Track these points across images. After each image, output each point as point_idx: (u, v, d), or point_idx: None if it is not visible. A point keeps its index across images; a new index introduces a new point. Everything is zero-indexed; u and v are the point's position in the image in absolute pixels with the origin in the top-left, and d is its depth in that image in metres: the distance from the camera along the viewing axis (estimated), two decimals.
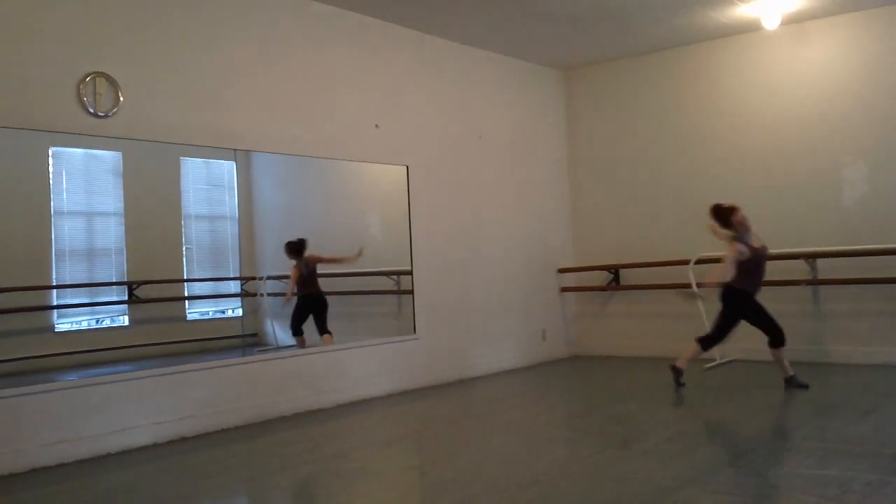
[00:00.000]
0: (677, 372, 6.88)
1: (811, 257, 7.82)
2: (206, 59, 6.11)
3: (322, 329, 6.95)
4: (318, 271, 7.14)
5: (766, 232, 8.13)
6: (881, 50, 7.64)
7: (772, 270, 8.04)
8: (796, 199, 8.06)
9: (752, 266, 6.44)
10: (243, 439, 5.69)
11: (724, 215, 6.57)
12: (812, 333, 7.96)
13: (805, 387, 6.43)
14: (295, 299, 6.99)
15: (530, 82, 9.30)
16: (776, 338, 6.46)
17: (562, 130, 9.72)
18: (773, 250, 7.96)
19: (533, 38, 8.30)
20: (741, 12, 7.68)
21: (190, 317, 6.69)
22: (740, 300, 6.50)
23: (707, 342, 6.73)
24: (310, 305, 7.02)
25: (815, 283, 7.89)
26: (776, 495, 3.79)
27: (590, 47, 8.82)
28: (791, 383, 6.49)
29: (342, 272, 7.41)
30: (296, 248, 6.88)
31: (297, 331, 6.98)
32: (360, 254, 7.09)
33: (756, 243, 6.48)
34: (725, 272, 6.42)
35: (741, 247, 6.37)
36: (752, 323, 6.54)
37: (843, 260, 7.66)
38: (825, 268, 7.84)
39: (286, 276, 7.07)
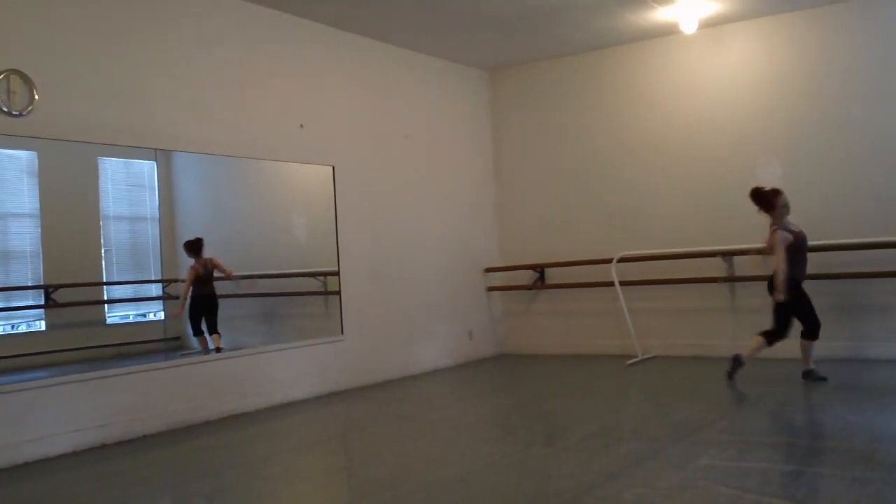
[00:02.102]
0: (738, 362, 6.68)
1: (728, 254, 8.08)
2: (126, 57, 5.96)
3: (212, 329, 6.77)
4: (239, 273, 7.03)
5: (684, 230, 8.42)
6: (794, 53, 7.94)
7: (690, 268, 8.32)
8: (713, 198, 8.31)
9: (794, 252, 6.39)
10: (166, 445, 5.57)
11: (766, 199, 6.48)
12: (729, 329, 8.22)
13: (824, 379, 6.43)
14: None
15: (456, 83, 9.36)
16: (811, 331, 6.43)
17: (487, 131, 9.81)
18: (689, 248, 8.23)
19: (458, 39, 8.35)
20: (659, 16, 7.88)
21: (110, 321, 6.50)
22: (790, 289, 6.38)
23: (772, 336, 6.57)
24: (202, 305, 6.82)
25: (731, 279, 8.15)
26: (697, 487, 3.91)
27: (513, 49, 8.92)
28: (809, 376, 6.48)
29: (267, 273, 7.31)
30: (195, 248, 6.68)
31: (196, 331, 6.78)
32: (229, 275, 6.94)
33: (795, 229, 6.45)
34: (781, 261, 6.29)
35: (784, 233, 6.33)
36: (792, 312, 6.47)
37: (758, 257, 7.92)
38: (741, 265, 8.10)
39: (220, 278, 6.94)
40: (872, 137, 7.50)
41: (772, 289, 6.46)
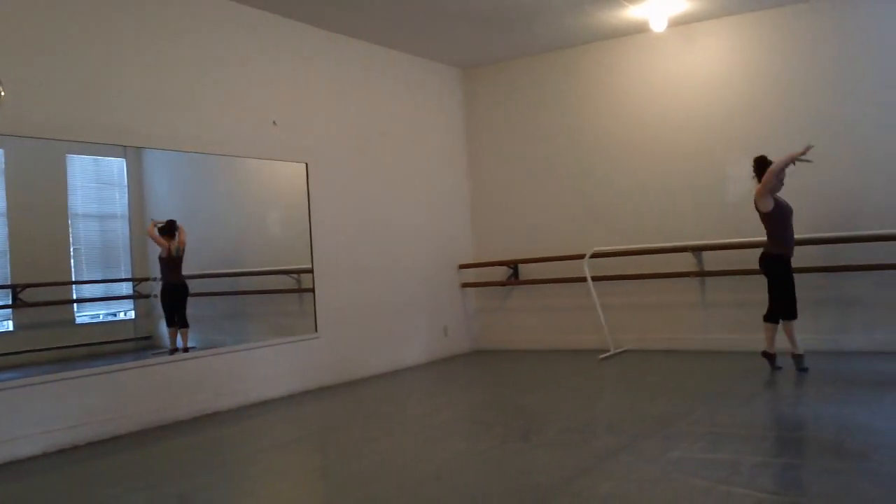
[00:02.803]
0: (770, 357, 6.82)
1: (698, 250, 8.17)
2: (95, 53, 5.88)
3: (182, 322, 6.69)
4: (216, 270, 6.98)
5: (656, 226, 8.50)
6: (762, 52, 8.03)
7: (660, 263, 8.39)
8: (684, 194, 8.40)
9: (781, 222, 6.56)
10: (138, 446, 5.52)
11: (764, 167, 6.59)
12: (699, 322, 8.32)
13: (779, 368, 6.71)
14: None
15: (431, 80, 9.35)
16: (787, 312, 6.54)
17: (462, 128, 9.82)
18: (662, 244, 8.32)
19: (433, 36, 8.35)
20: (630, 14, 7.93)
21: (79, 320, 6.43)
22: (780, 263, 6.56)
23: (788, 314, 6.61)
24: (172, 294, 6.73)
25: (701, 274, 8.24)
26: (669, 479, 3.95)
27: (487, 47, 8.93)
28: (766, 356, 6.75)
29: (241, 271, 7.27)
30: (168, 230, 6.57)
31: (170, 321, 6.71)
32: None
33: (781, 200, 6.60)
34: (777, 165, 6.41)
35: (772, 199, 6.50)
36: (770, 287, 6.62)
37: (728, 252, 8.03)
38: (711, 260, 8.20)
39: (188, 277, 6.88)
40: (840, 134, 7.61)
41: (764, 264, 6.66)
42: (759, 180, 6.60)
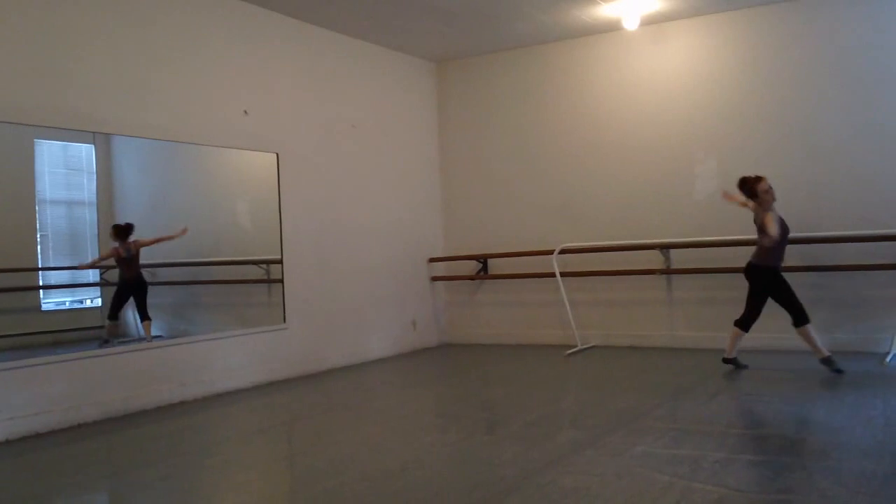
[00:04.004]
0: (730, 361, 6.84)
1: (665, 247, 8.26)
2: (64, 36, 5.80)
3: (143, 315, 6.61)
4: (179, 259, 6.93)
5: (624, 223, 8.58)
6: (733, 52, 8.13)
7: (628, 260, 8.48)
8: (652, 192, 8.48)
9: (782, 244, 6.52)
10: (102, 435, 5.48)
11: (749, 186, 6.58)
12: (665, 319, 8.42)
13: (744, 367, 6.79)
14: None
15: (403, 73, 9.34)
16: (801, 316, 6.46)
17: (433, 122, 9.82)
18: (629, 241, 8.40)
19: (405, 29, 8.34)
20: (603, 12, 7.99)
21: (45, 307, 6.34)
22: (769, 277, 6.55)
23: (745, 323, 6.69)
24: (130, 289, 6.63)
25: (668, 272, 8.33)
26: (632, 474, 4.01)
27: (460, 41, 8.94)
28: (829, 365, 6.48)
29: (209, 261, 7.22)
30: (122, 232, 6.47)
31: (113, 315, 6.57)
32: (184, 232, 6.83)
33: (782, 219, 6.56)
34: (772, 228, 6.33)
35: (776, 213, 6.44)
36: (777, 299, 6.56)
37: (695, 250, 8.13)
38: (678, 258, 8.30)
39: (149, 265, 6.82)
40: (807, 135, 7.73)
41: (749, 275, 6.65)
42: (752, 200, 6.59)
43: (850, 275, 7.42)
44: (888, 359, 6.95)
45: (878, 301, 7.37)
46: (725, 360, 6.87)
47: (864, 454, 4.22)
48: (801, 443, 4.67)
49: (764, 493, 3.66)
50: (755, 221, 6.62)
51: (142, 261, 6.61)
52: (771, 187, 6.54)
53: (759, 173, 6.69)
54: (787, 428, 5.05)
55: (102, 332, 6.45)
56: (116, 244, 6.46)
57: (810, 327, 6.49)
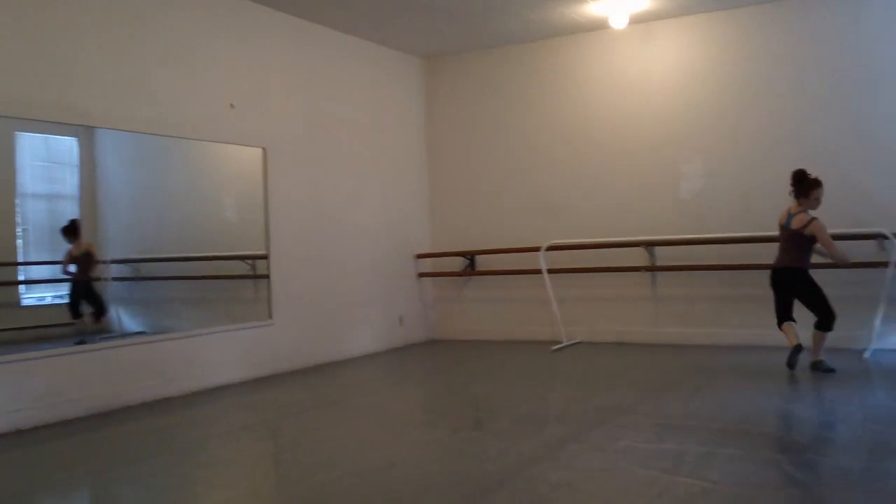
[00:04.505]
0: (818, 364, 6.45)
1: (650, 245, 8.30)
2: (47, 28, 5.74)
3: (99, 314, 6.44)
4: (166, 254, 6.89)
5: (611, 221, 8.61)
6: (720, 51, 8.17)
7: (614, 257, 8.52)
8: (638, 190, 8.52)
9: (810, 245, 6.41)
10: (85, 431, 5.43)
11: (806, 185, 6.39)
12: (650, 316, 8.47)
13: (832, 370, 6.39)
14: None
15: (392, 69, 9.33)
16: (827, 321, 6.36)
17: (421, 118, 9.81)
18: (614, 239, 8.44)
19: (394, 24, 8.32)
20: (591, 10, 8.00)
21: (25, 302, 6.28)
22: (802, 278, 6.44)
23: (823, 324, 6.41)
24: (81, 291, 6.44)
25: (653, 269, 8.37)
26: (616, 469, 4.03)
27: (449, 38, 8.94)
28: (818, 367, 6.41)
29: (195, 256, 7.19)
30: (69, 232, 6.26)
31: (75, 314, 6.41)
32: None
33: None
34: (831, 242, 6.27)
35: (821, 221, 6.31)
36: (805, 301, 6.45)
37: (679, 248, 8.17)
38: (663, 255, 8.34)
39: (133, 260, 6.79)
40: (794, 136, 7.77)
41: (778, 282, 6.50)
42: (799, 195, 6.42)
43: (830, 272, 7.46)
44: (866, 354, 7.02)
45: (857, 298, 7.42)
46: (813, 365, 6.53)
47: (843, 449, 4.27)
48: (781, 438, 4.72)
49: (745, 488, 3.68)
50: (790, 224, 6.44)
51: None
52: (820, 196, 6.40)
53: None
54: (768, 423, 5.09)
55: (71, 329, 6.36)
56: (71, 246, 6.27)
57: (826, 334, 6.42)
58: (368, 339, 8.70)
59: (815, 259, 6.51)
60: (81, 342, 6.12)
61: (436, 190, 9.83)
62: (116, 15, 6.24)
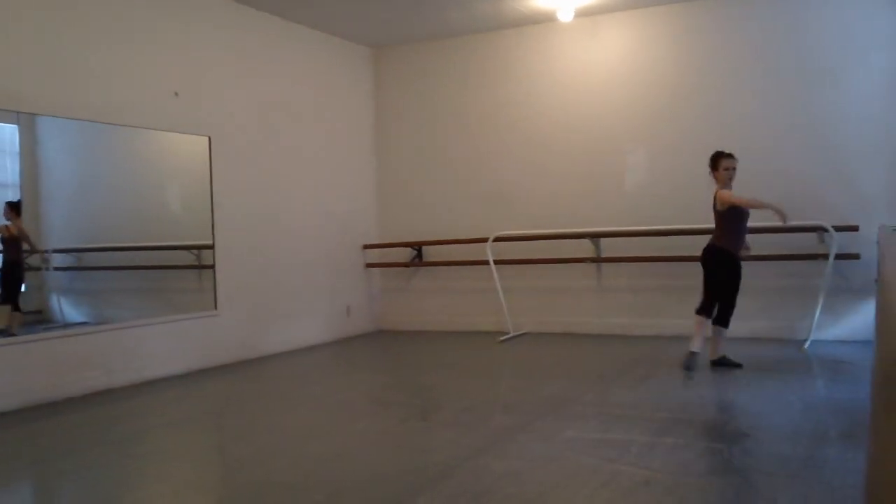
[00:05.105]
0: (692, 356, 6.38)
1: (596, 237, 8.41)
2: None
3: (11, 300, 6.18)
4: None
5: (557, 212, 8.69)
6: (663, 46, 8.30)
7: (560, 249, 8.60)
8: (584, 182, 8.62)
9: (735, 222, 6.26)
10: (25, 423, 5.33)
11: (713, 159, 6.33)
12: (595, 307, 8.59)
13: (739, 365, 6.36)
14: None
15: (339, 58, 9.26)
16: (702, 303, 6.33)
17: (370, 108, 9.77)
18: (560, 230, 8.52)
19: (343, 13, 8.26)
20: (538, 4, 8.05)
21: None
22: (724, 260, 6.28)
23: (704, 309, 6.36)
24: (5, 273, 6.22)
25: (598, 260, 8.49)
26: (562, 458, 4.10)
27: (397, 27, 8.91)
28: (722, 363, 6.38)
29: (138, 245, 7.07)
30: (16, 208, 6.05)
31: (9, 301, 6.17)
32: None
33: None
34: (741, 199, 6.10)
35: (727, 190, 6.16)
36: (717, 280, 6.29)
37: (624, 240, 8.30)
38: (608, 247, 8.46)
39: (76, 249, 6.64)
40: (736, 129, 7.92)
41: (706, 261, 6.38)
42: (713, 171, 6.34)
43: (770, 264, 7.67)
44: (806, 345, 7.23)
45: (797, 290, 7.65)
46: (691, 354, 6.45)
47: (783, 438, 4.40)
48: (722, 427, 4.85)
49: (688, 476, 3.78)
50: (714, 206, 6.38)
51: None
52: (731, 170, 6.30)
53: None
54: (710, 412, 5.22)
55: (32, 316, 6.18)
56: (8, 222, 6.02)
57: (724, 331, 6.43)
58: (315, 330, 8.65)
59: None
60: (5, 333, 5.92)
61: (383, 180, 9.81)
62: (58, 4, 6.08)
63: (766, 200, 6.26)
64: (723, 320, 6.41)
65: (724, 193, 6.24)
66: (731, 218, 6.27)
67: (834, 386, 5.90)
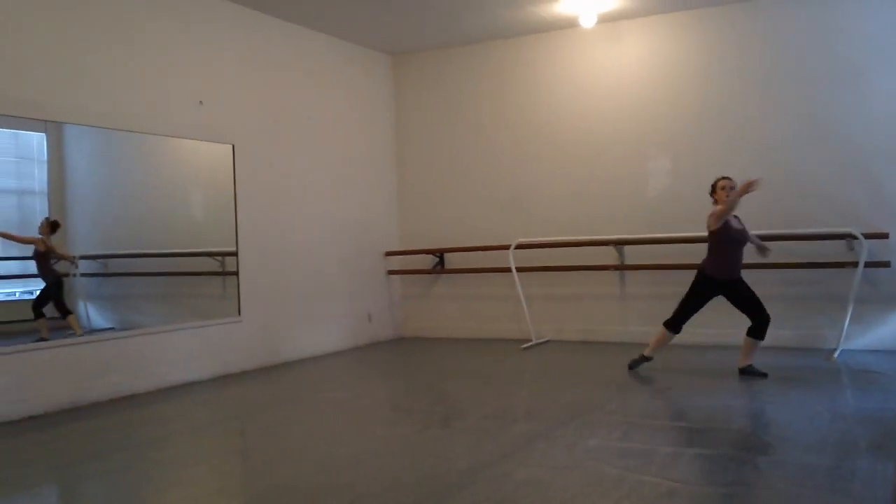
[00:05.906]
0: (640, 361, 6.74)
1: (619, 244, 8.37)
2: (15, 23, 5.66)
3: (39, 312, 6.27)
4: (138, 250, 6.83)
5: (579, 220, 8.66)
6: (685, 51, 8.25)
7: (582, 256, 8.57)
8: (607, 189, 8.58)
9: (722, 243, 6.24)
10: (51, 427, 5.39)
11: (713, 185, 6.32)
12: (618, 315, 8.54)
13: (635, 365, 6.74)
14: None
15: (360, 65, 9.30)
16: (757, 328, 6.31)
17: (390, 115, 9.80)
18: (583, 237, 8.48)
19: (363, 21, 8.31)
20: (560, 9, 8.05)
21: None
22: (698, 279, 6.40)
23: (670, 323, 6.55)
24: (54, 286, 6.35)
25: (622, 268, 8.45)
26: (584, 467, 4.07)
27: (418, 34, 8.94)
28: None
29: (163, 252, 7.13)
30: (51, 225, 6.19)
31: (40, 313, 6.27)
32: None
33: (735, 224, 6.27)
34: (726, 204, 6.00)
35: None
36: (736, 304, 6.38)
37: (647, 247, 8.25)
38: (631, 254, 8.42)
39: (103, 256, 6.71)
40: (758, 135, 7.88)
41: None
42: (712, 195, 6.35)
43: (797, 272, 7.59)
44: (835, 355, 7.12)
45: (825, 298, 7.55)
46: (641, 358, 6.79)
47: (809, 448, 4.34)
48: (747, 437, 4.79)
49: (711, 487, 3.74)
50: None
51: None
52: (730, 186, 6.25)
53: (715, 172, 6.69)
54: (734, 422, 5.16)
55: (58, 322, 6.25)
56: (42, 236, 6.16)
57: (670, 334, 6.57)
58: (337, 336, 8.68)
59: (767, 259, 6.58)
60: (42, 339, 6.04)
61: (405, 187, 9.83)
62: (85, 13, 6.16)
63: (735, 193, 6.03)
64: (756, 332, 6.35)
65: (712, 211, 6.20)
66: (720, 239, 6.24)
67: (863, 396, 5.81)
